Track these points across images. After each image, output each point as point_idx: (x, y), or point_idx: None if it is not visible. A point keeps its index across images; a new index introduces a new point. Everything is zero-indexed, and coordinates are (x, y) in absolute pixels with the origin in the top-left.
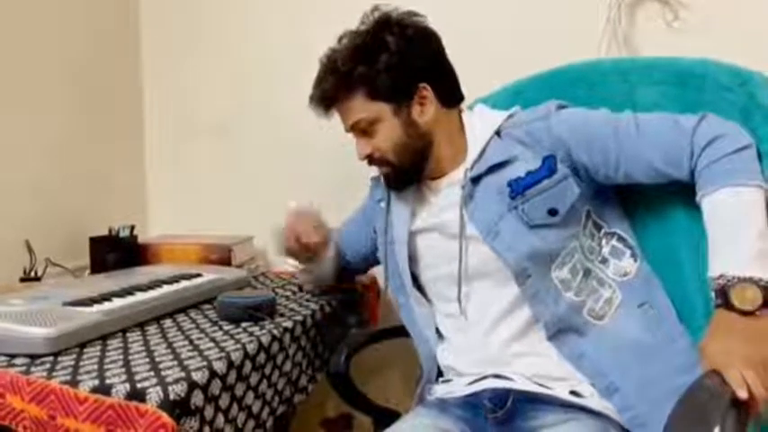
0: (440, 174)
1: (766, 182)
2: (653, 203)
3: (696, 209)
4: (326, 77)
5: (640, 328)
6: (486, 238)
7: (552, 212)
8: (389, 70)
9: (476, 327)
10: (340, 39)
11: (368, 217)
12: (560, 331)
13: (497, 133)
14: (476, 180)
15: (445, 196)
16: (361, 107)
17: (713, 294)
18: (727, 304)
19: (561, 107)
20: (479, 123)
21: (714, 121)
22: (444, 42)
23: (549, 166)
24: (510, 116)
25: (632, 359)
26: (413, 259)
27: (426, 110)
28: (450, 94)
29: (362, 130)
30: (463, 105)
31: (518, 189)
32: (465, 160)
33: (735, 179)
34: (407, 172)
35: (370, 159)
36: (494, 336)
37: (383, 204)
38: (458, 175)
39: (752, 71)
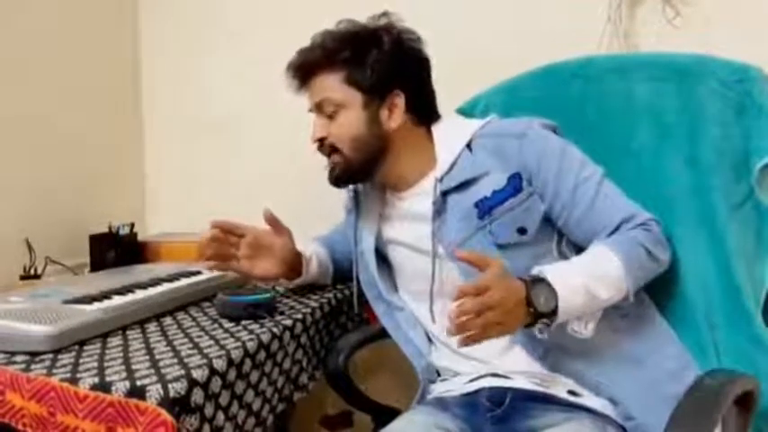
0: (406, 185)
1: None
2: (648, 205)
3: (694, 207)
4: (312, 49)
5: (626, 339)
6: (451, 257)
7: (521, 231)
8: (374, 64)
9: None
10: (338, 23)
11: (346, 226)
12: (547, 351)
13: (468, 146)
14: (444, 194)
15: (413, 207)
16: (335, 87)
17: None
18: (529, 286)
19: (543, 128)
20: (450, 134)
21: (657, 232)
22: (443, 39)
23: (514, 185)
24: (483, 125)
25: (624, 370)
26: (390, 267)
27: (393, 117)
28: (422, 113)
29: (326, 110)
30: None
31: (485, 209)
32: (434, 170)
33: (629, 261)
34: (355, 169)
35: (321, 144)
36: (478, 353)
37: (352, 216)
38: (425, 186)
39: (750, 67)
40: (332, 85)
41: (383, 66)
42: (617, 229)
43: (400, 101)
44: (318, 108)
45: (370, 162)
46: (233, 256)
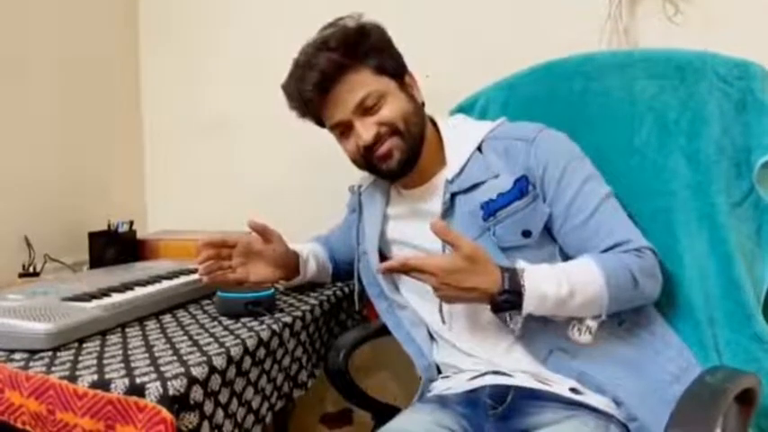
0: (418, 181)
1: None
2: (650, 202)
3: (695, 203)
4: (320, 56)
5: (626, 346)
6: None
7: (526, 234)
8: (387, 50)
9: (462, 342)
10: (324, 29)
11: (348, 226)
12: (550, 353)
13: (479, 148)
14: (453, 195)
15: (422, 205)
16: (371, 79)
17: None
18: (506, 281)
19: (556, 135)
20: (460, 135)
21: (650, 261)
22: (443, 37)
23: (520, 187)
24: (494, 128)
25: (626, 373)
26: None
27: (419, 93)
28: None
29: (368, 107)
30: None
31: (490, 211)
32: (444, 170)
33: (611, 279)
34: (414, 148)
35: (378, 139)
36: (481, 352)
37: (355, 215)
38: (435, 185)
39: (751, 64)
40: (366, 79)
41: (392, 50)
42: (608, 249)
43: (414, 78)
44: (359, 108)
45: (421, 141)
46: (228, 267)
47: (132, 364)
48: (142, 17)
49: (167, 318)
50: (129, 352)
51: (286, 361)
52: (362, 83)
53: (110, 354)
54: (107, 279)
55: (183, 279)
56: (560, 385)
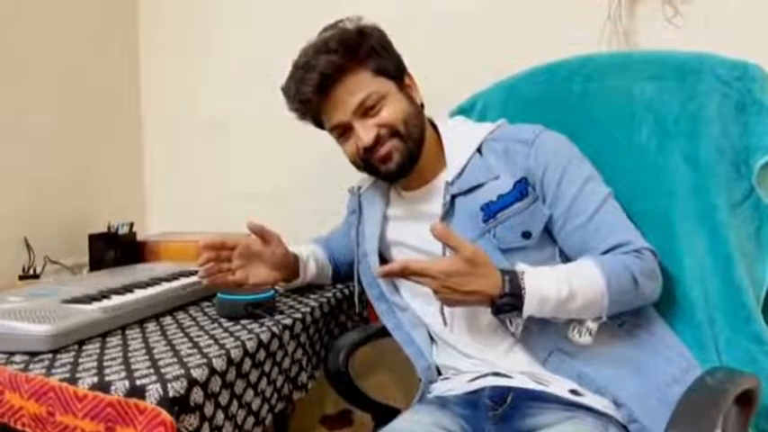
0: (418, 183)
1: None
2: (650, 202)
3: (694, 204)
4: (319, 58)
5: (625, 346)
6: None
7: (526, 235)
8: (387, 52)
9: (462, 343)
10: (323, 31)
11: (347, 227)
12: (549, 354)
13: (479, 149)
14: (453, 197)
15: (421, 207)
16: (371, 81)
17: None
18: (507, 283)
19: (555, 136)
20: (460, 136)
21: (650, 263)
22: (443, 37)
23: (520, 189)
24: (494, 130)
25: (626, 374)
26: None
27: (419, 94)
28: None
29: (367, 109)
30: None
31: (490, 213)
32: (444, 171)
33: (612, 281)
34: (413, 151)
35: (377, 141)
36: (481, 353)
37: (354, 217)
38: (435, 186)
39: (750, 64)
40: (366, 80)
41: (391, 52)
42: (609, 251)
43: (413, 80)
44: (359, 110)
45: (421, 143)
46: (228, 269)
47: (132, 366)
48: (142, 17)
49: (167, 320)
50: (130, 354)
51: (286, 363)
52: (362, 84)
53: (110, 356)
54: (107, 281)
55: (183, 281)
56: (560, 386)
